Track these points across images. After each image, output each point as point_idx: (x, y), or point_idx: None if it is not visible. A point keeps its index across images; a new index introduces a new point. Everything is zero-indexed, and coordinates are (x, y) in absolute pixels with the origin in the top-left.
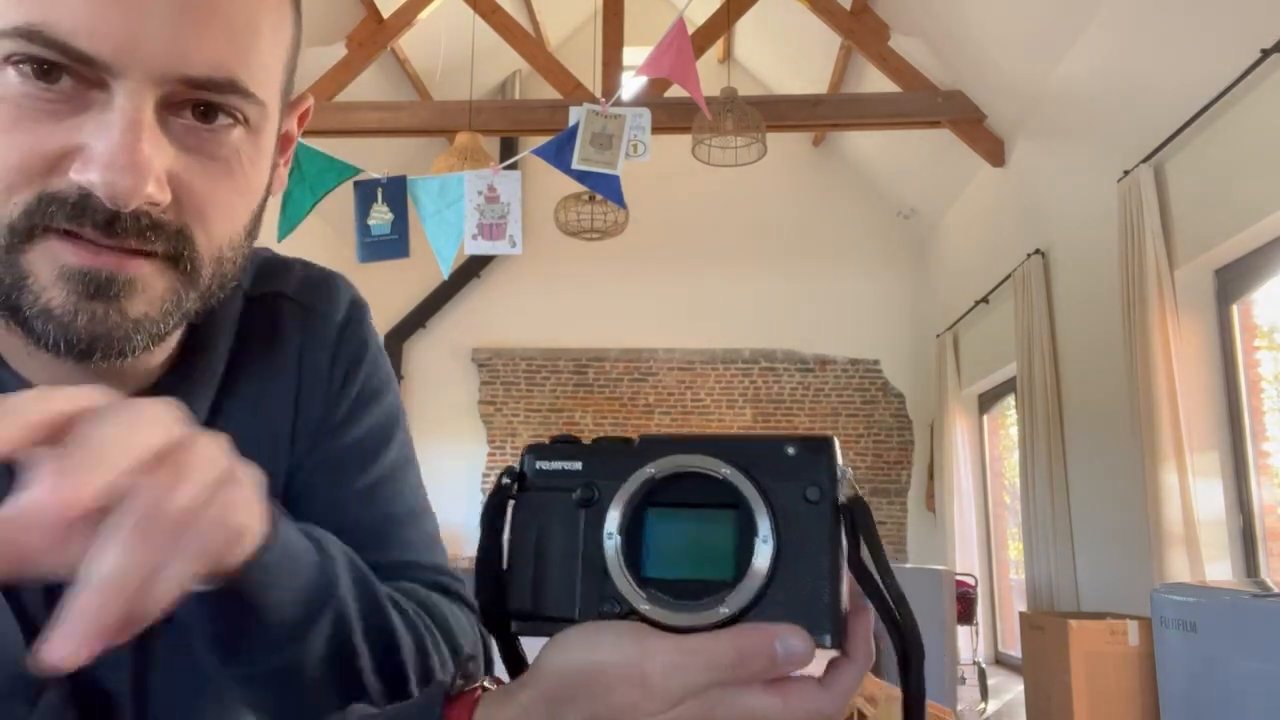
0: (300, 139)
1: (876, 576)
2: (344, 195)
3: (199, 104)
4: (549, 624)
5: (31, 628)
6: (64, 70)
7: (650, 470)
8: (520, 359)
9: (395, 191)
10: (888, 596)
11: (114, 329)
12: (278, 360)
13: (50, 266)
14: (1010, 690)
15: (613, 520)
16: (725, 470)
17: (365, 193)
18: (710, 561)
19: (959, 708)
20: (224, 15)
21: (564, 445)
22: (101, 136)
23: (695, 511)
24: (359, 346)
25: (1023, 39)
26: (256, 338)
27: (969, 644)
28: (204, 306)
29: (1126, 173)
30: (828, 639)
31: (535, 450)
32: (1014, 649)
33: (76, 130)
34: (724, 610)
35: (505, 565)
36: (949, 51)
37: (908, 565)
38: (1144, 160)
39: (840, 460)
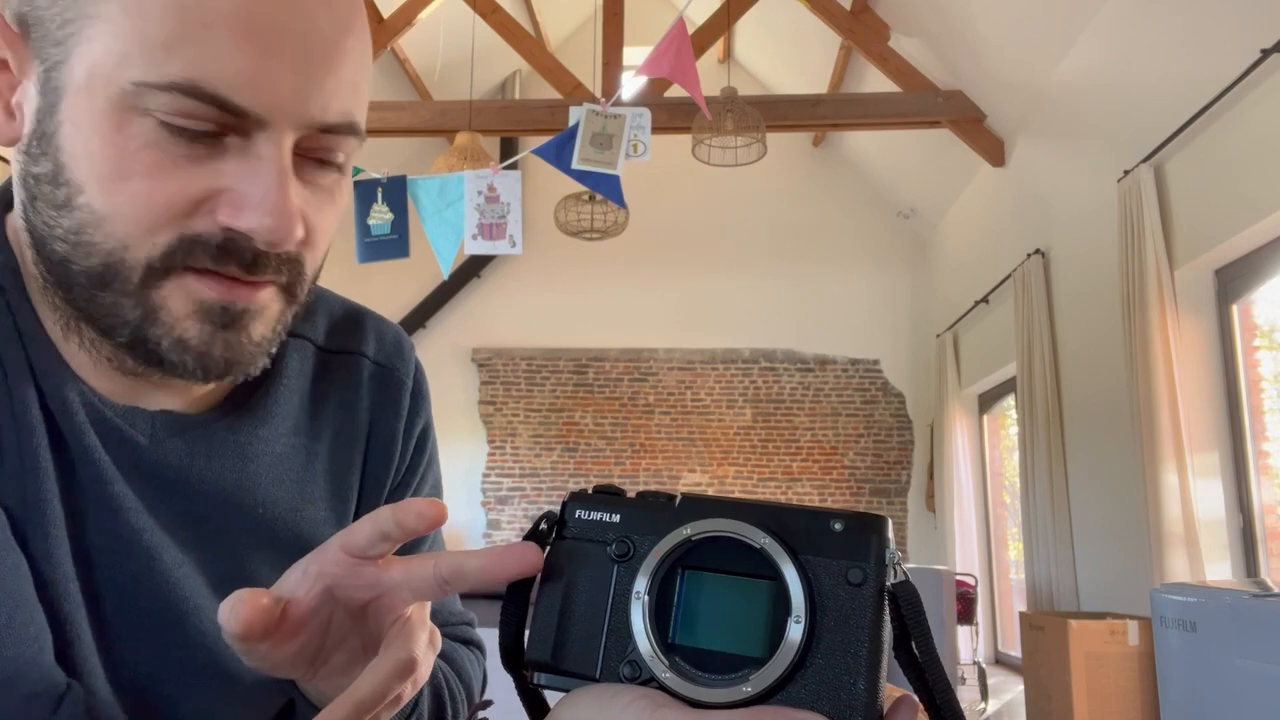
0: None
1: (922, 669)
2: None
3: (322, 149)
4: (567, 679)
5: (65, 635)
6: (212, 123)
7: (686, 531)
8: (520, 359)
9: (395, 191)
10: (932, 691)
11: (243, 353)
12: (354, 417)
13: (185, 301)
14: (1010, 690)
15: (643, 580)
16: (764, 540)
17: (365, 193)
18: (741, 634)
19: None
20: (347, 63)
21: (605, 496)
22: (255, 183)
23: (730, 579)
24: (426, 412)
25: (1023, 39)
26: (335, 394)
27: (969, 644)
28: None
29: (1126, 172)
30: None
31: (577, 499)
32: (1014, 649)
33: (217, 174)
34: (747, 689)
35: (531, 610)
36: (949, 51)
37: (908, 565)
38: (1144, 160)
39: (891, 543)
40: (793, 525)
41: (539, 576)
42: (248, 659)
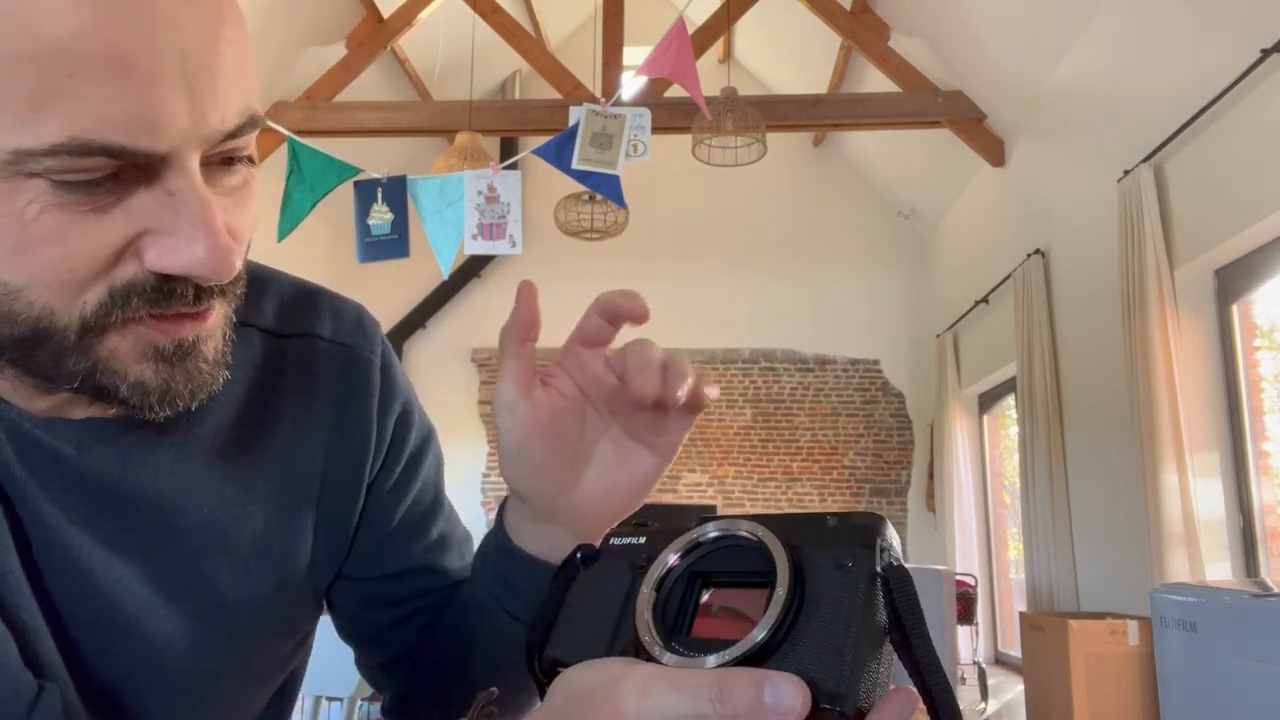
0: (300, 139)
1: (913, 649)
2: (344, 195)
3: (227, 151)
4: None
5: (27, 643)
6: (109, 169)
7: (693, 534)
8: None
9: (395, 191)
10: (922, 672)
11: (204, 378)
12: (311, 404)
13: (134, 347)
14: (1010, 690)
15: (652, 579)
16: (759, 532)
17: (365, 193)
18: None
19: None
20: (231, 54)
21: (638, 525)
22: (176, 221)
23: (735, 592)
24: (404, 391)
25: (1023, 39)
26: (290, 380)
27: (969, 644)
28: None
29: (1126, 173)
30: (842, 704)
31: (613, 531)
32: (1014, 649)
33: (129, 216)
34: (715, 658)
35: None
36: (949, 51)
37: (909, 565)
38: (1144, 160)
39: (888, 535)
40: (791, 522)
41: (570, 591)
42: (513, 432)
